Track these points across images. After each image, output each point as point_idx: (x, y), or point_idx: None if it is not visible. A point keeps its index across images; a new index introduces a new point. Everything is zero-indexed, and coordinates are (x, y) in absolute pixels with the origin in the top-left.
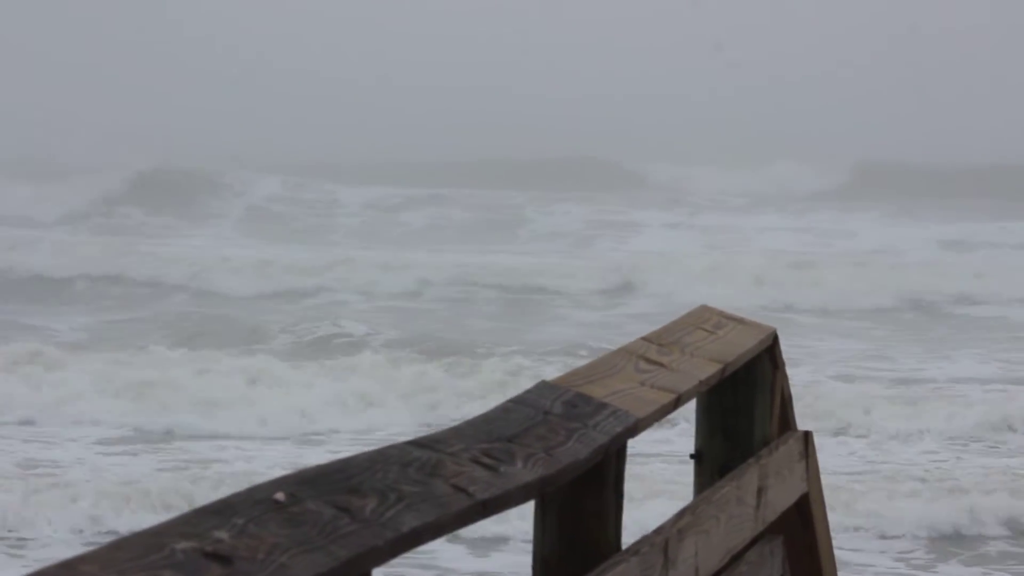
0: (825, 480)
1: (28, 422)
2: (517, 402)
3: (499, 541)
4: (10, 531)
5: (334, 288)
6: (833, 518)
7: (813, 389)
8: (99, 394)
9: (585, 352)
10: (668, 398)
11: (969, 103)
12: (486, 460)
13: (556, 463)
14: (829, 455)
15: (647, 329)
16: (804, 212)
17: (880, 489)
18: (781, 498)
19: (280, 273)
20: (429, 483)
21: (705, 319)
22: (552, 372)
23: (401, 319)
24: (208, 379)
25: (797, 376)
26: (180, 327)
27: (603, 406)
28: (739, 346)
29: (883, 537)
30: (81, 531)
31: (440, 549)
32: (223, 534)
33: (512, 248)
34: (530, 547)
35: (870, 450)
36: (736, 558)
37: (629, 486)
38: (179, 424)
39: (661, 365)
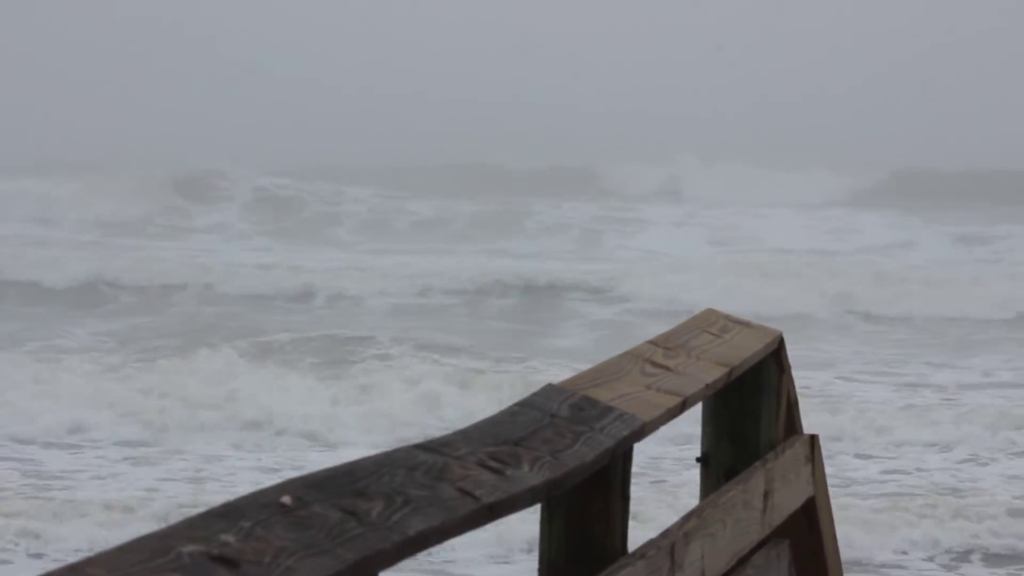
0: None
1: (45, 431)
2: (523, 405)
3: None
4: (25, 542)
5: (344, 289)
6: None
7: (829, 394)
8: (115, 403)
9: (592, 357)
10: (674, 401)
11: (976, 108)
12: (492, 463)
13: (562, 466)
14: (848, 466)
15: (659, 330)
16: (818, 215)
17: (912, 504)
18: (787, 502)
19: (293, 274)
20: (435, 487)
21: (711, 322)
22: (564, 375)
23: (412, 320)
24: (224, 386)
25: (814, 380)
26: (193, 332)
27: (609, 409)
28: (745, 349)
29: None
30: (96, 541)
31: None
32: (230, 537)
33: (521, 249)
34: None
35: (888, 457)
36: (742, 562)
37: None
38: (194, 433)
39: (667, 368)
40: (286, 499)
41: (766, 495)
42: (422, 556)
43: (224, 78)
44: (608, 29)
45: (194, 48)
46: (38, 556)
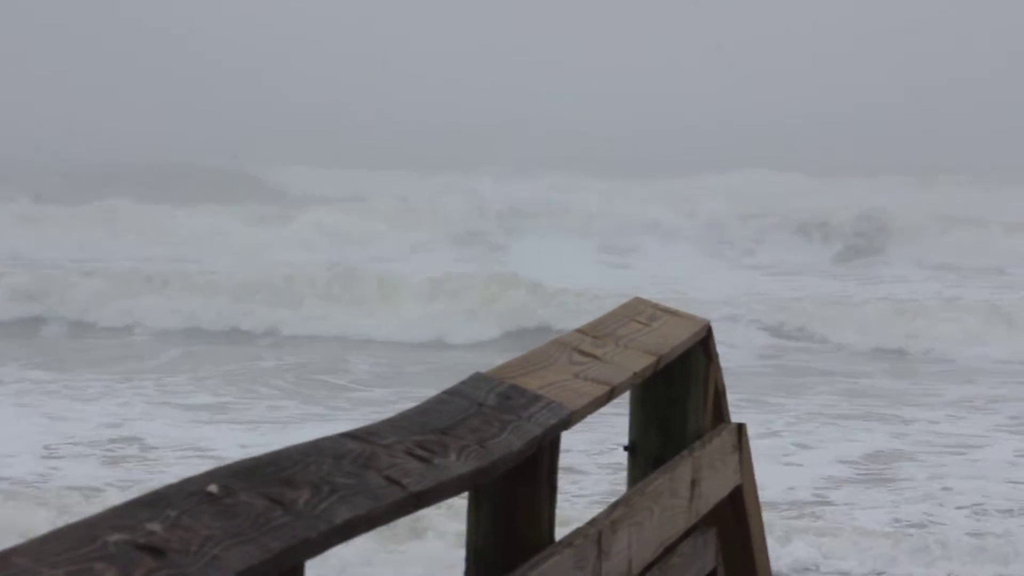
0: None
1: None
2: (451, 394)
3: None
4: None
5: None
6: None
7: None
8: None
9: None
10: (602, 390)
11: (972, 109)
12: (420, 452)
13: (490, 455)
14: None
15: None
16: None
17: None
18: (714, 490)
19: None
20: (362, 475)
21: (639, 311)
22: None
23: None
24: None
25: None
26: None
27: (537, 398)
28: (673, 338)
29: None
30: None
31: None
32: (156, 526)
33: None
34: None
35: None
36: (669, 550)
37: None
38: None
39: (595, 357)
40: (213, 488)
41: (693, 484)
42: None
43: (211, 78)
44: (607, 30)
45: (174, 48)
46: None
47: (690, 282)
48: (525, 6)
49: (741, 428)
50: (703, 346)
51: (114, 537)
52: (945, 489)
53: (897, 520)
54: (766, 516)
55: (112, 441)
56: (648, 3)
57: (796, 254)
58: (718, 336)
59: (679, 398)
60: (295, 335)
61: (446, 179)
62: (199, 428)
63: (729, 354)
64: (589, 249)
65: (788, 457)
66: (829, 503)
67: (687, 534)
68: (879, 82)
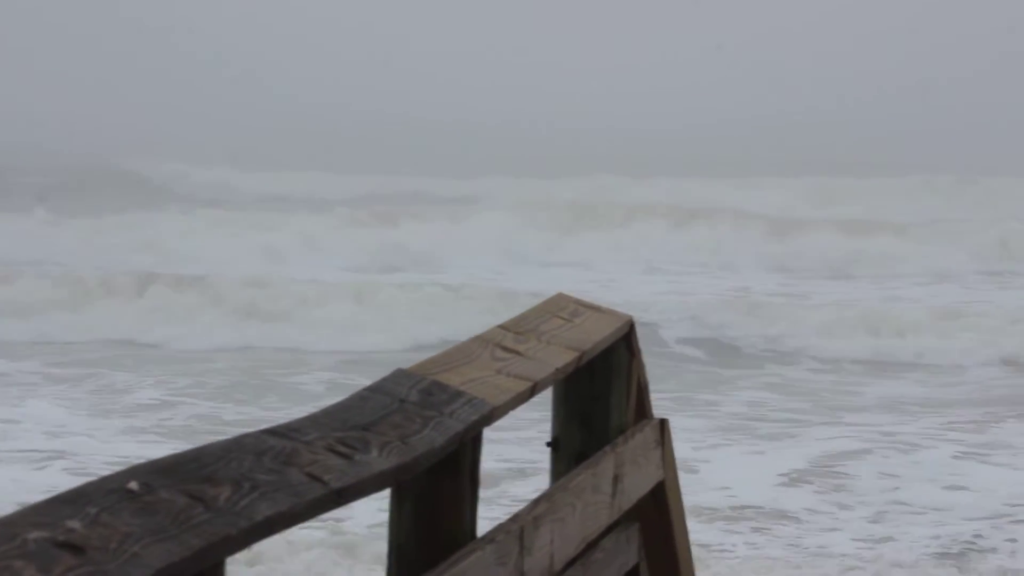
0: None
1: None
2: (373, 390)
3: None
4: None
5: None
6: None
7: None
8: None
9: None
10: (524, 386)
11: (968, 109)
12: (341, 448)
13: (412, 451)
14: None
15: None
16: None
17: None
18: (637, 485)
19: None
20: (284, 472)
21: (562, 307)
22: None
23: None
24: None
25: None
26: None
27: (459, 394)
28: (596, 334)
29: None
30: None
31: None
32: (76, 523)
33: None
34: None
35: None
36: (592, 545)
37: None
38: None
39: (517, 353)
40: (133, 485)
41: (616, 479)
42: None
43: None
44: (607, 30)
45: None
46: None
47: (621, 283)
48: (525, 6)
49: (664, 423)
50: (626, 341)
51: (33, 534)
52: (896, 498)
53: (857, 530)
54: (714, 526)
55: (45, 450)
56: (648, 3)
57: (745, 255)
58: (642, 333)
59: (601, 394)
60: (225, 346)
61: (439, 180)
62: (127, 438)
63: (654, 351)
64: (533, 251)
65: (716, 459)
66: (783, 514)
67: (610, 529)
68: (879, 81)
